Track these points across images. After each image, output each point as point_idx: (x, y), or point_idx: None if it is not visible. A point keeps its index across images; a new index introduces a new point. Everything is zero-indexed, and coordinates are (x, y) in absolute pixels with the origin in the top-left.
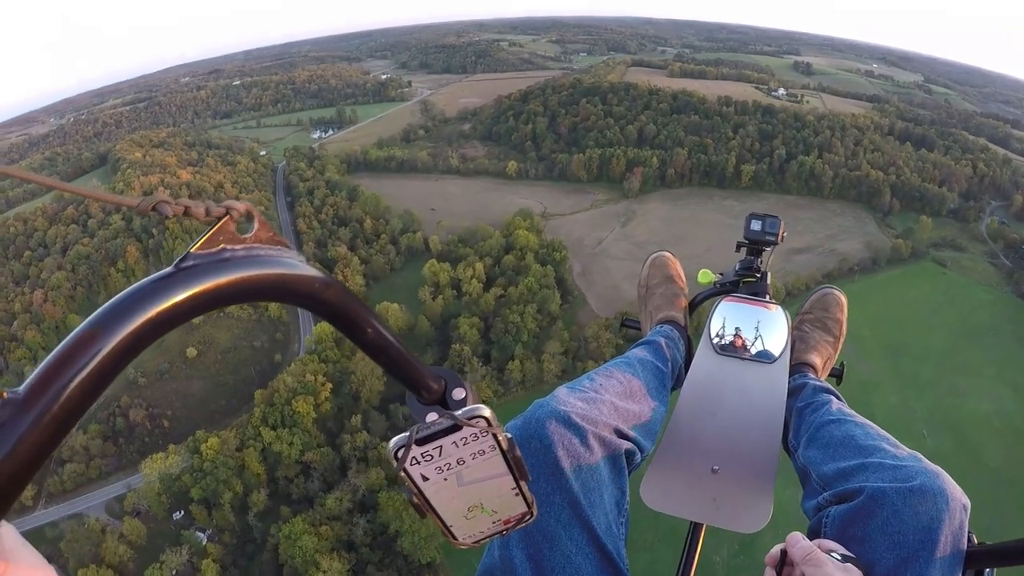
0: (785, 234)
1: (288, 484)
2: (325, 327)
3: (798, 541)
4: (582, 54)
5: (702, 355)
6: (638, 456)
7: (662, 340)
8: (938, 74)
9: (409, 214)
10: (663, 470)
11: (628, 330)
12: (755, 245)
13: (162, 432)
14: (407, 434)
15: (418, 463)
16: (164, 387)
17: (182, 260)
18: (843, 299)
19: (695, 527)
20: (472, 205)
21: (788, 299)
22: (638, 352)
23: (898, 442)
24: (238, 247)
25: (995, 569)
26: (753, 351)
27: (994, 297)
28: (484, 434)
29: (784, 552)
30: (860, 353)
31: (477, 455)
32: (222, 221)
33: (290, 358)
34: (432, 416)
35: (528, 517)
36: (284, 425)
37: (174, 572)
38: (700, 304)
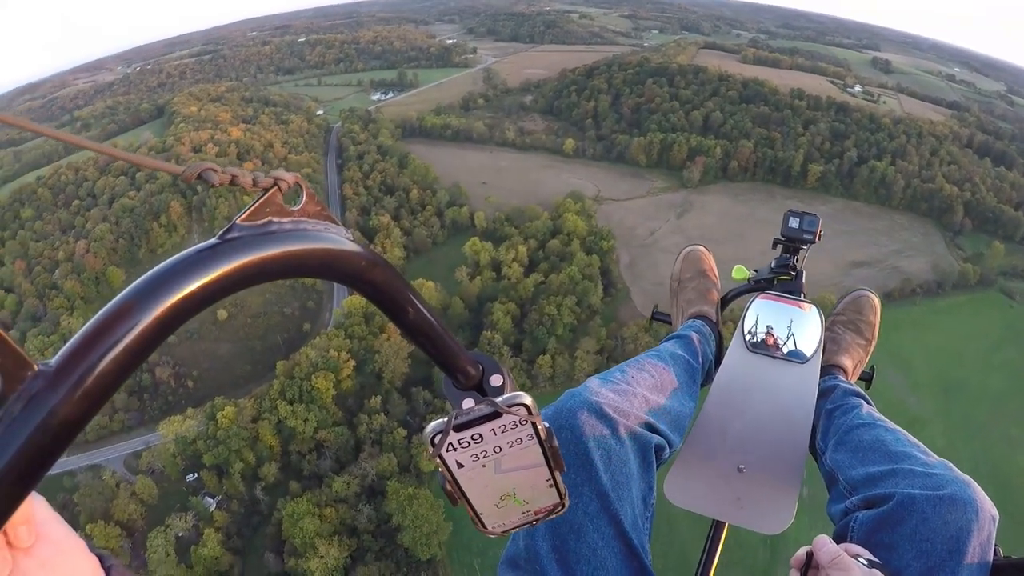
0: (823, 233)
1: (301, 459)
2: (355, 300)
3: (825, 544)
4: (653, 31)
5: (734, 352)
6: (667, 451)
7: (694, 335)
8: (1022, 84)
9: (457, 187)
10: (688, 466)
11: (657, 323)
12: (792, 243)
13: (186, 392)
14: (445, 419)
15: (454, 449)
16: (193, 347)
17: (227, 231)
18: (877, 302)
19: (717, 525)
20: (524, 181)
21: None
22: (670, 346)
23: (928, 450)
24: (285, 220)
25: None
26: (785, 350)
27: None
28: (523, 423)
29: (810, 555)
30: (911, 386)
31: (515, 443)
32: (269, 192)
33: (319, 328)
34: (469, 402)
35: (560, 508)
36: (301, 400)
37: (179, 534)
38: (733, 300)
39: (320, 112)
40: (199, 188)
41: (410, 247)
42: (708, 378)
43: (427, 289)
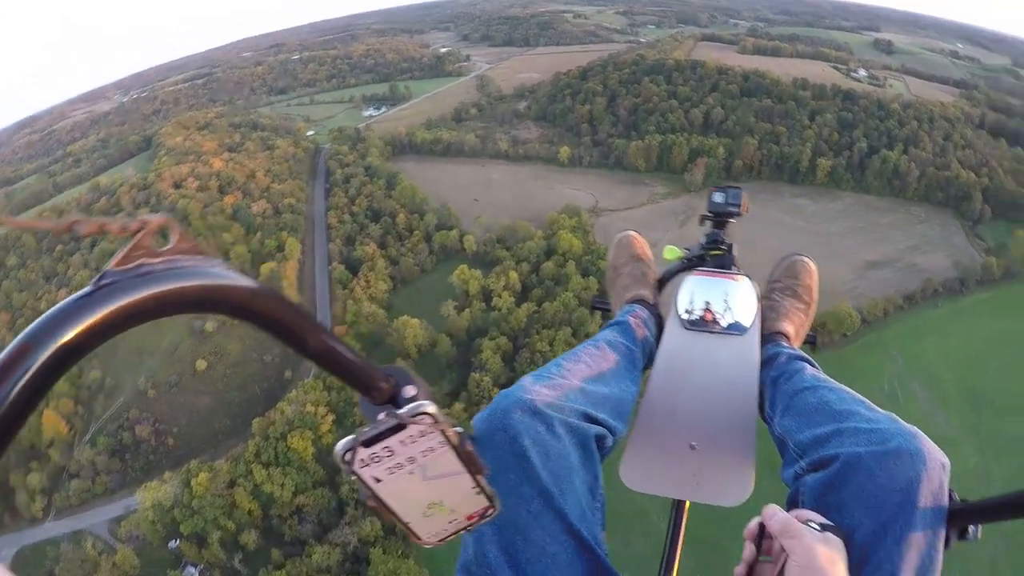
0: (749, 205)
1: (282, 523)
2: None
3: (774, 513)
4: (650, 27)
5: (671, 332)
6: (609, 439)
7: (631, 319)
8: None
9: (446, 208)
10: (641, 450)
11: (599, 311)
12: (719, 218)
13: (166, 450)
14: (352, 437)
15: (368, 465)
16: (172, 400)
17: (100, 278)
18: (812, 265)
19: (678, 505)
20: (518, 195)
21: (864, 325)
22: (607, 333)
23: (874, 405)
24: (156, 261)
25: (980, 526)
26: (724, 324)
27: None
28: (431, 431)
29: (763, 525)
30: (938, 400)
31: (427, 452)
32: (139, 235)
33: (301, 375)
34: (383, 417)
35: (491, 511)
36: (278, 463)
37: None
38: (670, 280)
39: (311, 132)
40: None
41: (397, 277)
42: (651, 361)
43: (411, 327)
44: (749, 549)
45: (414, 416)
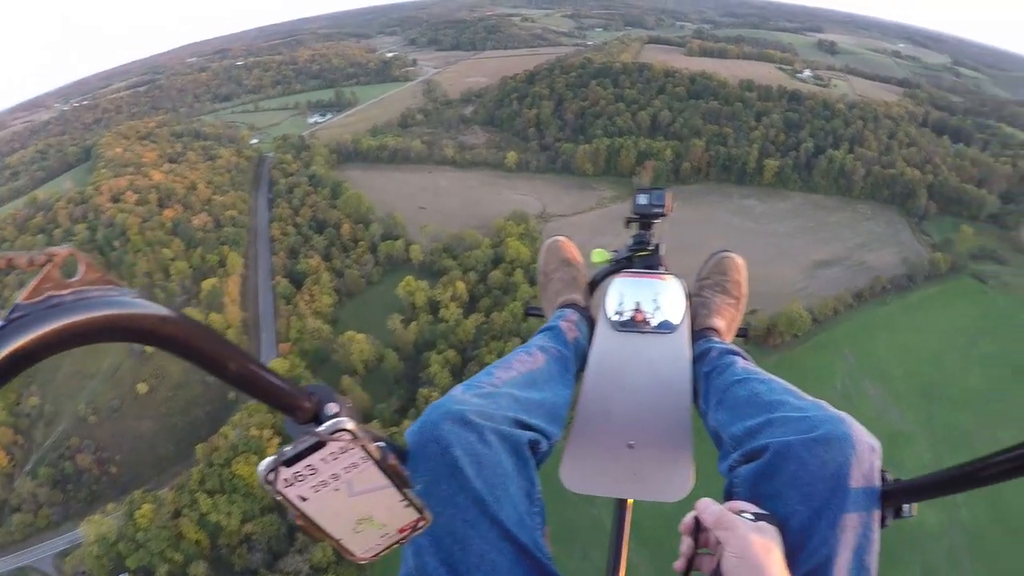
0: (674, 204)
1: (231, 553)
2: (279, 365)
3: (708, 506)
4: (597, 29)
5: (602, 334)
6: (544, 444)
7: (562, 323)
8: (966, 56)
9: (392, 217)
10: (579, 452)
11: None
12: (645, 219)
13: (110, 479)
14: (274, 457)
15: (292, 484)
16: (114, 427)
17: (11, 312)
18: (740, 261)
19: (621, 504)
20: (465, 202)
21: (815, 325)
22: (539, 339)
23: (803, 393)
24: (65, 292)
25: (914, 504)
26: (654, 323)
27: None
28: (351, 446)
29: (698, 519)
30: (892, 398)
31: (351, 468)
32: (46, 268)
33: (245, 397)
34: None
35: (422, 523)
36: (223, 491)
37: None
38: (600, 283)
39: (255, 141)
40: (116, 243)
41: (342, 290)
42: (585, 363)
43: (357, 343)
44: (686, 543)
45: (333, 433)
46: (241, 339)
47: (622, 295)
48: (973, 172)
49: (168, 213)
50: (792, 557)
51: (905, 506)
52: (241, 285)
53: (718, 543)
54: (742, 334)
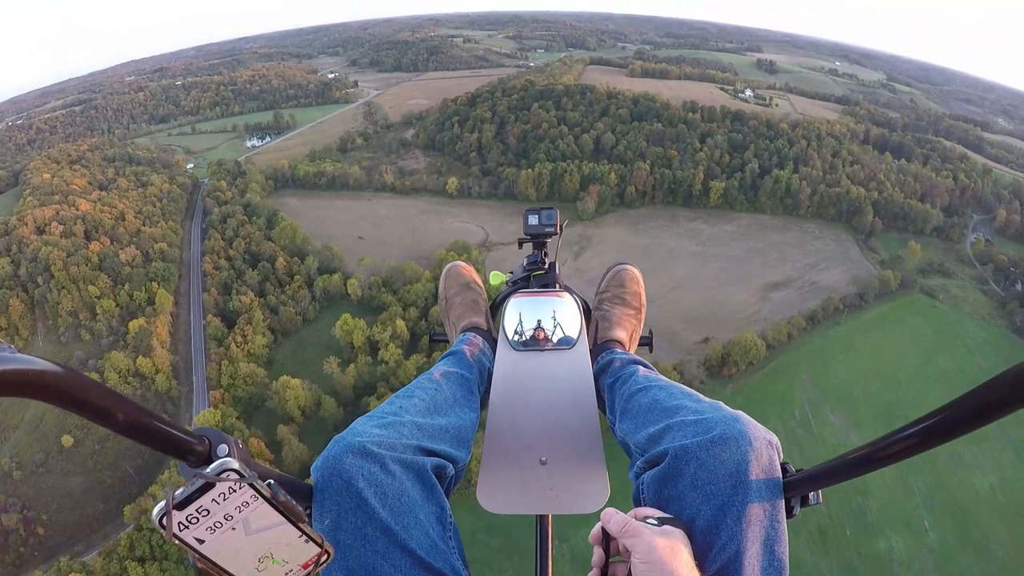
0: (564, 223)
1: None
2: (210, 415)
3: (612, 516)
4: (539, 51)
5: (504, 354)
6: (450, 468)
7: (465, 347)
8: (899, 72)
9: (328, 249)
10: (493, 473)
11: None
12: (537, 239)
13: (37, 540)
14: (164, 501)
15: (187, 527)
16: (40, 482)
17: None
18: (637, 272)
19: (541, 520)
20: (405, 231)
21: (770, 351)
22: (441, 365)
23: (701, 396)
24: None
25: (820, 492)
26: (555, 339)
27: (988, 334)
28: (240, 486)
29: (605, 528)
30: (851, 421)
31: (242, 507)
32: None
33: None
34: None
35: (325, 557)
36: (154, 557)
37: None
38: (501, 304)
39: (191, 165)
40: (40, 280)
41: (277, 329)
42: (490, 385)
43: (292, 387)
44: (597, 553)
45: (219, 474)
46: (171, 384)
47: (520, 314)
48: (916, 187)
49: (94, 247)
50: (702, 556)
51: (811, 494)
52: (172, 324)
53: (627, 550)
54: (646, 343)
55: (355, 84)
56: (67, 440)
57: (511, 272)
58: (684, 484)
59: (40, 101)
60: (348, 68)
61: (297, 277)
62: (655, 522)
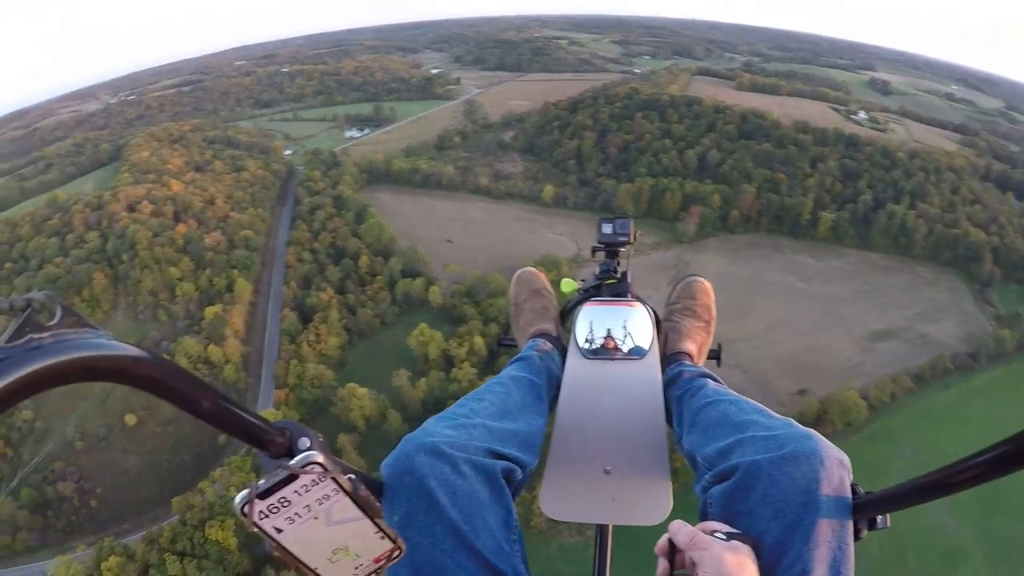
0: (638, 233)
1: None
2: (270, 416)
3: (680, 528)
4: (645, 57)
5: (573, 362)
6: (518, 473)
7: (535, 354)
8: (1021, 100)
9: (414, 251)
10: (557, 480)
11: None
12: (610, 247)
13: (89, 512)
14: (248, 490)
15: (267, 516)
16: (99, 456)
17: None
18: (708, 284)
19: (601, 529)
20: (495, 238)
21: (870, 411)
22: (511, 370)
23: (772, 412)
24: (45, 335)
25: (887, 516)
26: (625, 349)
27: None
28: (323, 479)
29: (672, 541)
30: (948, 505)
31: (323, 500)
32: (27, 312)
33: (237, 442)
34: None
35: (397, 553)
36: (194, 555)
37: None
38: (571, 312)
39: (288, 152)
40: (124, 257)
41: (353, 329)
42: (559, 392)
43: (359, 396)
44: (662, 565)
45: (304, 466)
46: (239, 376)
47: (592, 323)
48: None
49: (181, 228)
50: (768, 574)
51: (879, 517)
52: (249, 314)
53: (693, 563)
54: (714, 356)
55: (457, 81)
56: (131, 419)
57: (583, 280)
58: (754, 500)
59: (153, 79)
60: (451, 64)
61: (379, 278)
62: (723, 537)
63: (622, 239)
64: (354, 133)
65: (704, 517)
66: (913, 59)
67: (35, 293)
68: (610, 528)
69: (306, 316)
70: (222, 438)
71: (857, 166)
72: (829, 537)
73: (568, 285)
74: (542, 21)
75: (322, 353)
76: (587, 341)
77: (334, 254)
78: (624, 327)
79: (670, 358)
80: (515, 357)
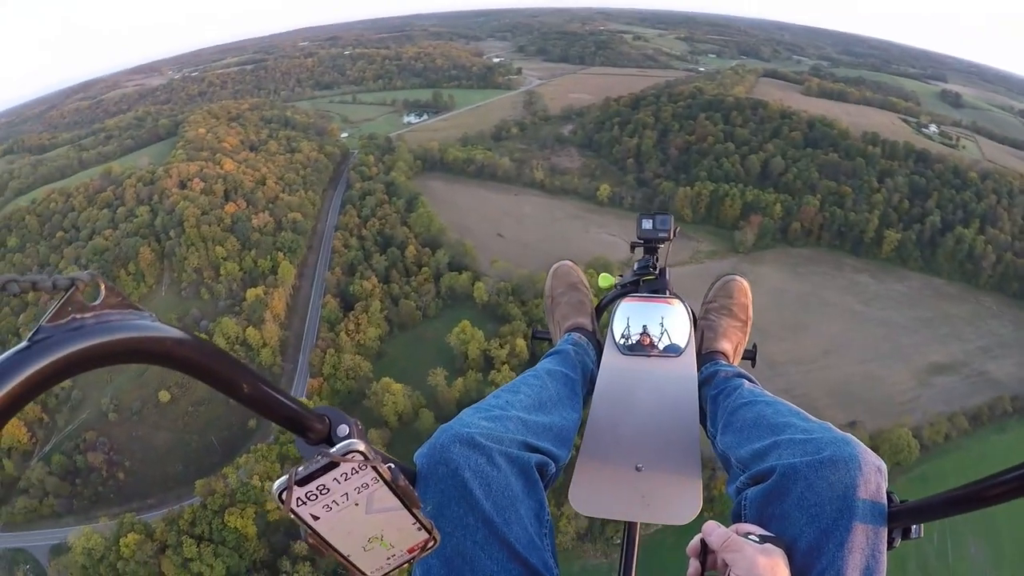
0: (678, 229)
1: None
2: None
3: (714, 529)
4: (710, 56)
5: (610, 357)
6: (552, 467)
7: (571, 348)
8: None
9: (462, 244)
10: (588, 475)
11: (539, 341)
12: (649, 243)
13: (116, 484)
14: (286, 476)
15: (304, 503)
16: (131, 429)
17: (35, 334)
18: (745, 284)
19: (629, 526)
20: (547, 235)
21: (924, 452)
22: (546, 363)
23: (809, 415)
24: (88, 315)
25: (922, 525)
26: (661, 346)
27: None
28: (363, 467)
29: (705, 541)
30: (994, 558)
31: (362, 488)
32: (69, 292)
33: (266, 428)
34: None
35: (432, 544)
36: (211, 540)
37: None
38: (607, 307)
39: (345, 135)
40: (172, 233)
41: (394, 320)
42: (593, 387)
43: (393, 393)
44: (694, 566)
45: (345, 454)
46: (275, 360)
47: (629, 319)
48: None
49: (230, 208)
50: None
51: (913, 527)
52: (291, 298)
53: (725, 565)
54: (749, 356)
55: (519, 71)
56: (164, 395)
57: (620, 275)
58: (790, 503)
59: (217, 56)
60: (514, 54)
61: (425, 269)
62: (756, 539)
63: (662, 235)
64: (412, 119)
65: (738, 518)
66: (985, 71)
67: (79, 273)
68: (638, 526)
69: (348, 304)
70: (252, 422)
71: (926, 184)
72: (863, 544)
73: (606, 280)
74: (607, 14)
75: (360, 343)
76: (623, 337)
77: (381, 242)
78: (661, 324)
79: (706, 357)
80: (551, 351)
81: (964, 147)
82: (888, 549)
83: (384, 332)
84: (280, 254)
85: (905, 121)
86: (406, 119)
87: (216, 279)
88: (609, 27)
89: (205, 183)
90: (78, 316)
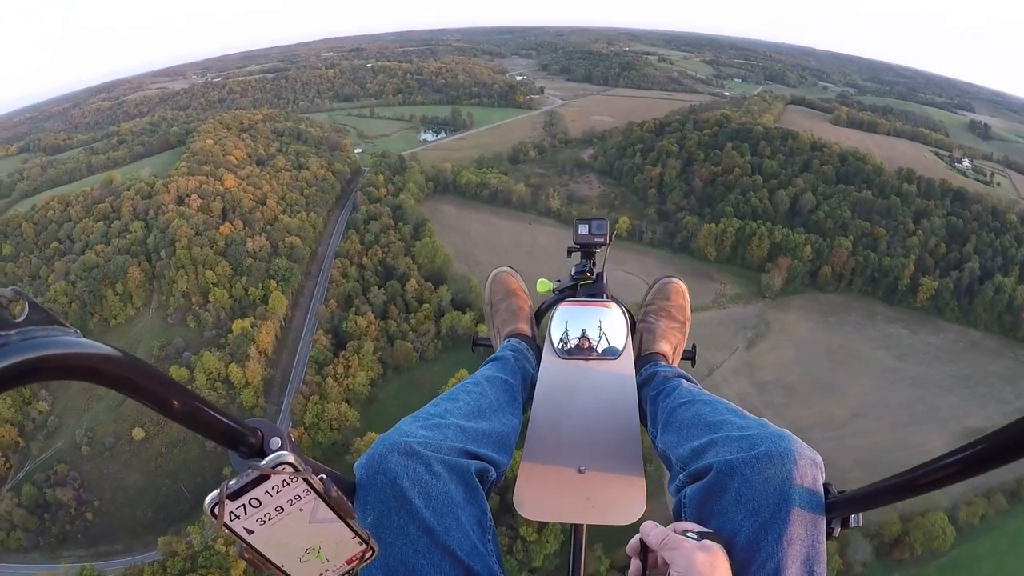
0: (614, 235)
1: None
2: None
3: (652, 528)
4: (736, 80)
5: (548, 362)
6: (492, 472)
7: (510, 354)
8: None
9: (467, 281)
10: (531, 479)
11: (480, 349)
12: (586, 248)
13: (83, 525)
14: (217, 491)
15: (238, 517)
16: (103, 466)
17: None
18: (682, 285)
19: (575, 529)
20: (561, 270)
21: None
22: (485, 370)
23: (746, 412)
24: (11, 332)
25: (860, 514)
26: (599, 350)
27: None
28: (294, 479)
29: (644, 540)
30: None
31: (294, 500)
32: None
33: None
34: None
35: (370, 554)
36: None
37: None
38: (546, 312)
39: (359, 151)
40: (163, 253)
41: (389, 362)
42: (533, 392)
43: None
44: (634, 565)
45: (275, 466)
46: (258, 401)
47: (567, 323)
48: None
49: (224, 229)
50: (741, 572)
51: (851, 517)
52: (282, 329)
53: (665, 563)
54: (688, 357)
55: (541, 90)
56: (138, 433)
57: (558, 280)
58: (727, 499)
59: (243, 62)
60: (537, 72)
61: (426, 306)
62: (695, 536)
63: (598, 240)
64: (429, 136)
65: (678, 517)
66: (1011, 101)
67: (1, 289)
68: (584, 528)
69: (340, 342)
70: (227, 470)
71: (964, 226)
72: (802, 535)
73: (544, 285)
74: (632, 35)
75: (348, 388)
76: (562, 341)
77: (382, 272)
78: (599, 327)
79: (645, 359)
80: (490, 357)
81: (999, 184)
82: (828, 538)
83: (377, 375)
84: (273, 283)
85: (937, 155)
86: (422, 136)
87: (204, 306)
88: (634, 48)
89: (203, 200)
90: (2, 333)
